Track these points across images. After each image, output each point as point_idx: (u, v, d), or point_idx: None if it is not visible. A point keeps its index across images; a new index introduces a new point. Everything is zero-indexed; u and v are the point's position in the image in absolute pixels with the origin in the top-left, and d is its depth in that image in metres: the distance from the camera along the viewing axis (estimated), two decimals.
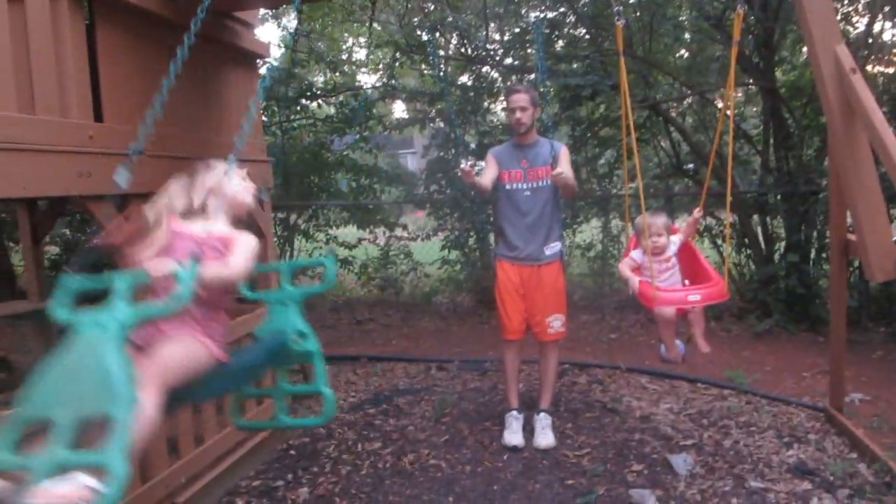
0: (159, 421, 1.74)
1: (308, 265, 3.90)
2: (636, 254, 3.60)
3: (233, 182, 2.22)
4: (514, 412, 3.88)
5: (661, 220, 3.58)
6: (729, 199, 3.46)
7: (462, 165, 3.61)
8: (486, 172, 3.87)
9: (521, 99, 3.75)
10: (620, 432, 3.96)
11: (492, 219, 4.11)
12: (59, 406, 1.56)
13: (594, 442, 3.83)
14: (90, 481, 1.50)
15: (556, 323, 3.79)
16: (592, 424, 4.10)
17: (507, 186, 3.86)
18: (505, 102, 3.90)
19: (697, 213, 3.68)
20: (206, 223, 2.12)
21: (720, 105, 7.98)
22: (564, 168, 3.67)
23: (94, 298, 1.78)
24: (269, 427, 3.55)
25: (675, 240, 3.60)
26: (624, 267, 3.56)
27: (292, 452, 3.85)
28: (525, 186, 3.81)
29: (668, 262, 3.55)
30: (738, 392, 4.66)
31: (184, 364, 1.88)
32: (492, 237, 7.53)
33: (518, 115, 3.76)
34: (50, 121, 2.42)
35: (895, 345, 5.84)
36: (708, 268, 3.50)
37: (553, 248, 3.83)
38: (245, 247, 2.10)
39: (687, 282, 3.58)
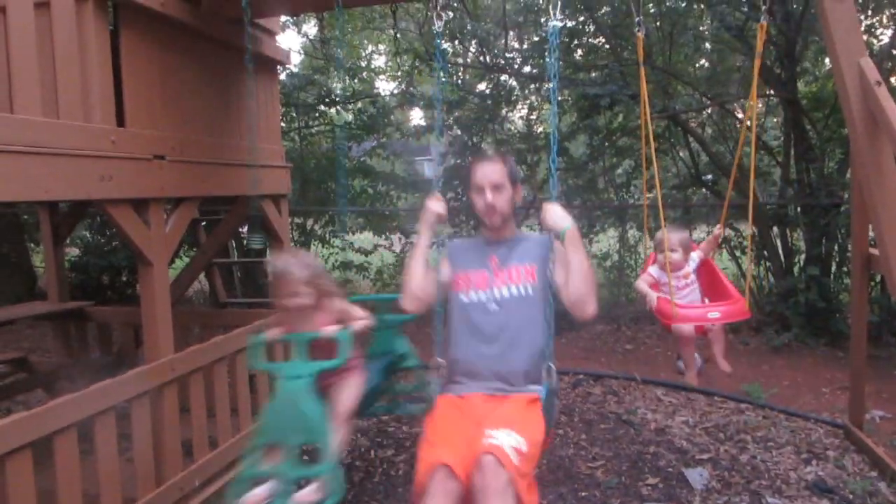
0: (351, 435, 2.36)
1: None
2: (654, 269, 3.47)
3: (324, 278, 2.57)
4: None
5: (677, 235, 3.45)
6: (752, 213, 3.34)
7: (433, 196, 2.48)
8: (440, 273, 2.49)
9: (495, 171, 2.42)
10: (635, 445, 3.92)
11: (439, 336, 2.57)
12: (285, 435, 2.29)
13: (608, 454, 3.79)
14: (320, 485, 2.22)
15: (502, 436, 1.98)
16: (606, 436, 4.06)
17: (464, 298, 2.46)
18: (470, 179, 2.49)
19: (718, 230, 3.61)
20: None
21: (740, 116, 7.93)
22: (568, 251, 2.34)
23: None
24: (390, 412, 3.84)
25: (695, 256, 3.52)
26: (641, 283, 3.44)
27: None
28: (490, 297, 2.43)
29: (687, 279, 3.46)
30: (756, 406, 4.60)
31: (356, 395, 2.57)
32: None
33: (489, 197, 2.41)
34: (73, 125, 2.45)
35: None
36: (728, 286, 3.40)
37: (532, 389, 2.35)
38: (358, 310, 2.62)
39: (707, 300, 3.51)
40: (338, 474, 2.26)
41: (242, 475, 2.31)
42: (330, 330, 2.41)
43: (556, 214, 2.34)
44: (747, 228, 7.71)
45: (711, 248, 3.63)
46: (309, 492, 2.22)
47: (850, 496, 3.23)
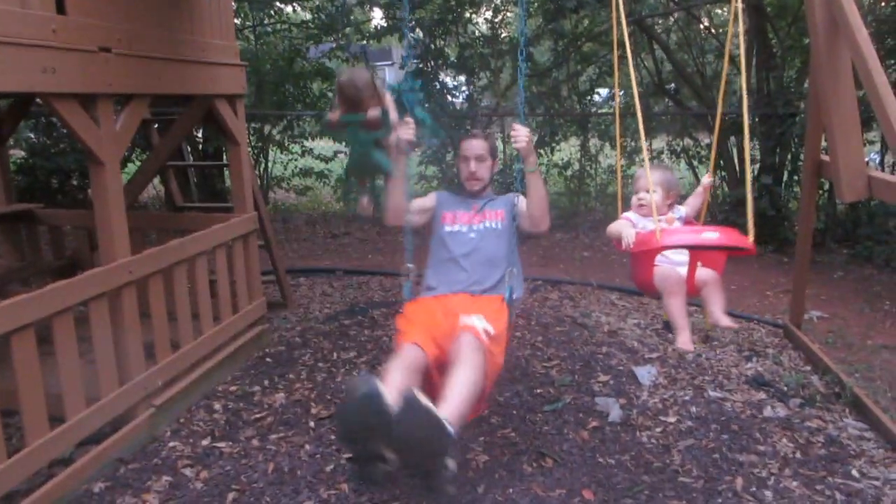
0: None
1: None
2: (631, 214, 2.93)
3: None
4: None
5: (659, 175, 2.90)
6: (747, 141, 2.84)
7: (401, 125, 2.81)
8: (420, 201, 3.12)
9: (478, 146, 3.07)
10: (588, 346, 4.08)
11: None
12: (365, 173, 2.92)
13: (563, 354, 3.95)
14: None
15: (474, 320, 2.47)
16: (562, 338, 4.21)
17: (447, 228, 3.04)
18: (458, 150, 3.18)
19: (708, 179, 3.05)
20: None
21: (706, 23, 7.83)
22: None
23: None
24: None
25: (681, 210, 3.02)
26: (614, 225, 2.87)
27: (269, 360, 3.92)
28: (471, 229, 3.01)
29: (671, 226, 2.90)
30: (703, 309, 4.81)
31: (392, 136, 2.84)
32: None
33: (473, 166, 3.05)
34: (8, 10, 2.28)
35: (856, 266, 6.04)
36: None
37: (497, 291, 2.84)
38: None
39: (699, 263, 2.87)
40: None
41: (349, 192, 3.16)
42: (373, 113, 2.65)
43: (524, 138, 2.70)
44: (705, 139, 7.81)
45: (700, 202, 3.06)
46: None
47: (785, 388, 3.46)
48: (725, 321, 2.73)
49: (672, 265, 2.82)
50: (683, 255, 2.82)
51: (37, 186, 7.95)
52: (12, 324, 2.26)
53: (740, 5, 2.62)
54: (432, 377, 2.43)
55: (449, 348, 2.40)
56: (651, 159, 7.58)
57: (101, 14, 2.72)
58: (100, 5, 2.72)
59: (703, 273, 2.78)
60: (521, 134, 2.69)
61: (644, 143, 2.87)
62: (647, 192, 2.67)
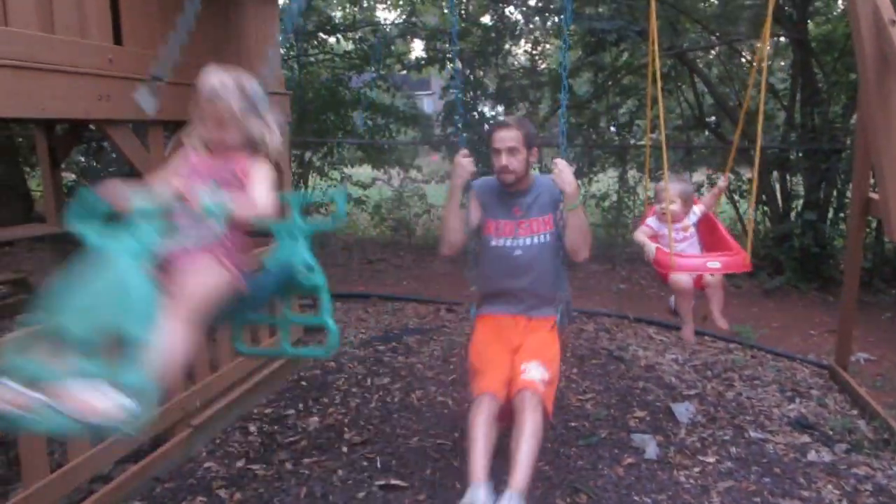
0: (188, 355, 1.73)
1: (318, 200, 3.98)
2: (652, 221, 3.38)
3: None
4: (481, 485, 2.35)
5: (678, 187, 3.34)
6: (758, 159, 3.20)
7: (461, 153, 2.83)
8: (470, 216, 2.93)
9: (510, 137, 2.77)
10: (625, 380, 4.02)
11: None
12: (76, 318, 1.55)
13: (598, 388, 3.89)
14: (121, 398, 1.42)
15: (533, 371, 2.59)
16: (598, 371, 4.16)
17: (493, 243, 2.90)
18: (489, 142, 2.92)
19: (723, 182, 3.49)
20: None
21: (748, 56, 7.78)
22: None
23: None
24: (271, 354, 3.65)
25: (696, 210, 3.38)
26: (639, 234, 3.34)
27: (303, 383, 3.94)
28: (516, 244, 2.87)
29: (687, 232, 3.33)
30: (744, 346, 4.71)
31: (212, 296, 1.80)
32: None
33: (504, 159, 2.78)
34: (69, 41, 2.39)
35: None
36: (729, 240, 3.28)
37: (549, 311, 2.92)
38: (263, 188, 1.98)
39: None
40: (150, 394, 1.51)
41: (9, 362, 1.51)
42: (198, 198, 1.82)
43: (569, 180, 2.71)
44: (747, 173, 7.71)
45: (714, 201, 3.57)
46: (96, 395, 1.43)
47: (830, 432, 3.34)
48: (721, 322, 3.22)
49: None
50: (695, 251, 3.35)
51: None
52: None
53: (766, 45, 2.67)
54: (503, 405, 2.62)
55: (512, 391, 2.58)
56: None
57: (155, 45, 2.83)
58: (154, 37, 2.83)
59: (709, 276, 3.22)
60: (566, 173, 2.70)
61: (666, 164, 3.22)
62: (668, 203, 3.16)
